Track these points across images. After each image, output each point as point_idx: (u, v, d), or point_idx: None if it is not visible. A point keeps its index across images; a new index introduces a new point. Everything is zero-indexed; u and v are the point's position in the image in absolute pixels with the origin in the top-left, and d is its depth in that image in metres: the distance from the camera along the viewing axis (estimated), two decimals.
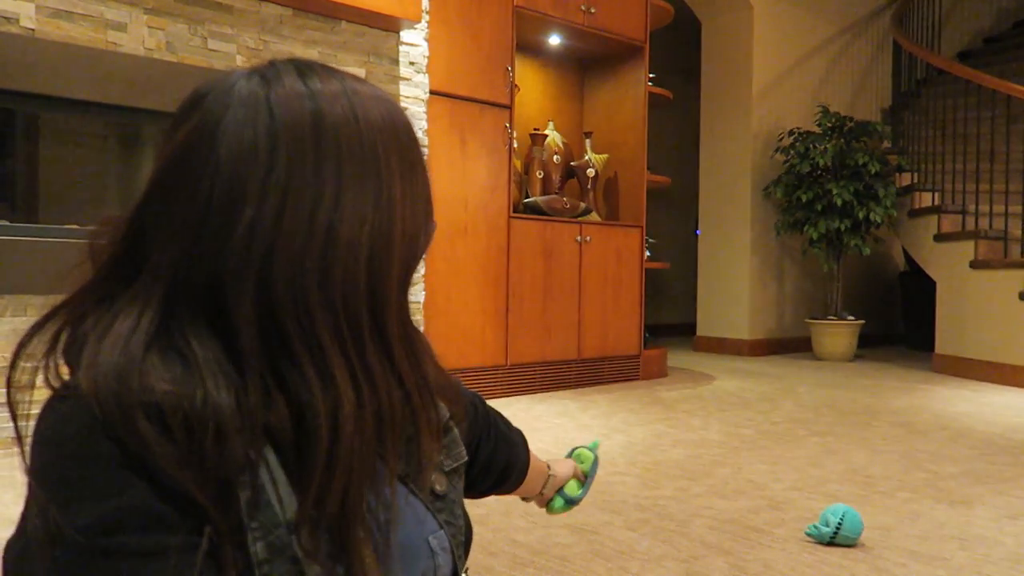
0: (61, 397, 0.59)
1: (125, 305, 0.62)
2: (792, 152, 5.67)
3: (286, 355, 0.61)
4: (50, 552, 0.55)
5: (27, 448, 0.60)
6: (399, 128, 0.68)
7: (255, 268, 0.60)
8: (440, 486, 0.81)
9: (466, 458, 0.87)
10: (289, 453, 0.61)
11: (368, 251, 0.64)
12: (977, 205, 5.07)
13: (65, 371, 0.62)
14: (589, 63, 4.88)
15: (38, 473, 0.57)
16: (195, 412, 0.57)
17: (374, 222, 0.64)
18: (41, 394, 0.63)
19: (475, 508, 2.06)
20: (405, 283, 0.69)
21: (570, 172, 4.55)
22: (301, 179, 0.62)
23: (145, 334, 0.59)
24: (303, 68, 0.66)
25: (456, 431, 0.85)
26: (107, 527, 0.54)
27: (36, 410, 0.61)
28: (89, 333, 0.61)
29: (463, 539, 0.82)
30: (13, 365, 0.62)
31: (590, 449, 1.28)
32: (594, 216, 4.46)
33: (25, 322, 2.33)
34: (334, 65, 2.97)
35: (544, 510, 1.21)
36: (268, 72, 0.65)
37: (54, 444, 0.57)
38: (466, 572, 0.84)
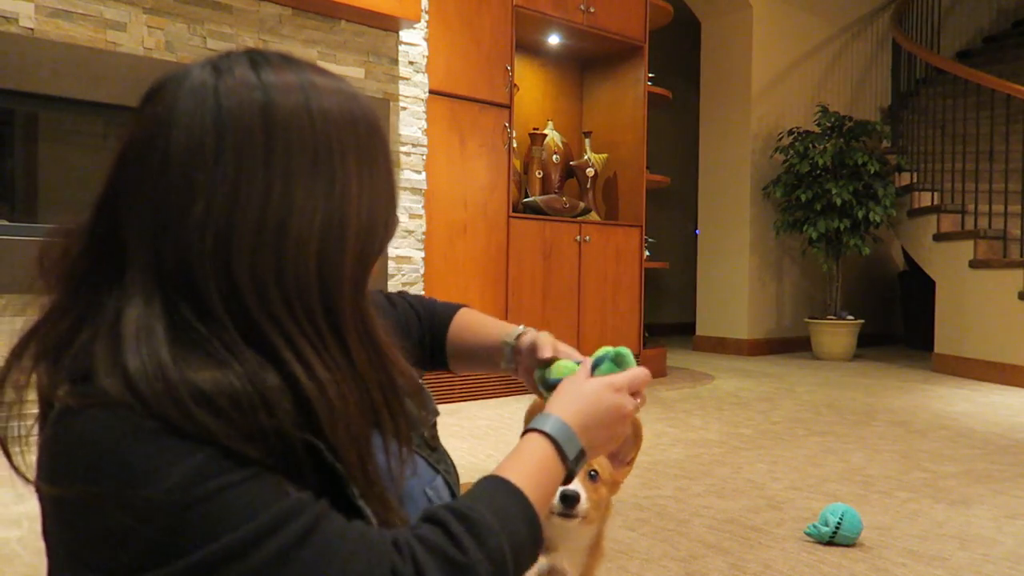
0: (81, 408, 0.57)
1: (125, 303, 0.61)
2: (791, 152, 5.67)
3: (262, 347, 0.61)
4: (129, 541, 0.54)
5: (36, 465, 0.59)
6: (358, 121, 0.67)
7: (213, 264, 0.60)
8: (432, 439, 0.86)
9: (439, 412, 0.92)
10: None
11: (318, 245, 0.63)
12: (976, 205, 5.07)
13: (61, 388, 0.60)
14: (588, 63, 4.88)
15: (79, 478, 0.55)
16: (239, 391, 0.57)
17: (325, 216, 0.63)
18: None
19: None
20: (361, 279, 0.68)
21: (569, 172, 4.55)
22: (250, 172, 0.61)
23: (161, 327, 0.59)
24: (257, 59, 0.65)
25: (426, 388, 0.88)
26: (199, 476, 0.55)
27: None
28: (94, 341, 0.60)
29: (456, 479, 0.88)
30: (4, 382, 0.62)
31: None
32: (593, 216, 4.46)
33: (26, 322, 2.32)
34: (333, 65, 2.93)
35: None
36: (221, 63, 0.64)
37: (97, 443, 0.56)
38: None
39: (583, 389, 0.81)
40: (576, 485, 1.12)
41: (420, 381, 0.86)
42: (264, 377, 0.59)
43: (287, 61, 0.66)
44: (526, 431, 0.77)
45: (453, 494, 0.85)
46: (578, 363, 0.92)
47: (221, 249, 0.60)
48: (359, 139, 0.66)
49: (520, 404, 3.69)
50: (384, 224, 0.70)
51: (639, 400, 0.86)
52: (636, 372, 0.86)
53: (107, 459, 0.55)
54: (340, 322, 0.65)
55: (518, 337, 1.01)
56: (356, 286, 0.67)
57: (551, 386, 0.89)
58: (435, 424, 0.91)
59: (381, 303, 1.01)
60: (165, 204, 0.61)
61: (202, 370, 0.57)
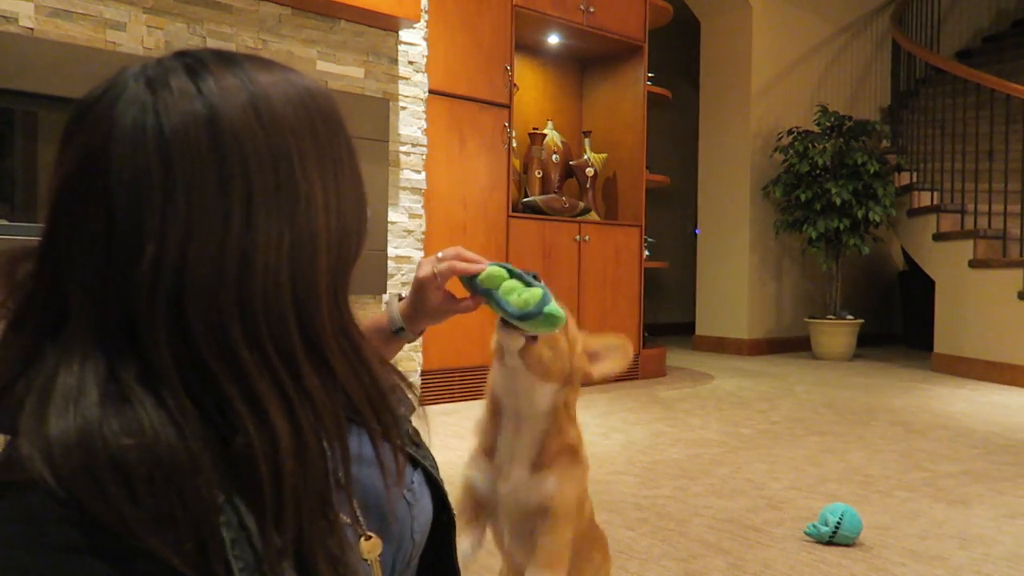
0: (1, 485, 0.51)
1: (62, 361, 0.55)
2: (791, 151, 5.67)
3: (216, 396, 0.55)
4: None
5: None
6: (314, 118, 0.61)
7: (166, 310, 0.54)
8: (415, 434, 0.83)
9: (416, 407, 0.89)
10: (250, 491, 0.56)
11: (290, 270, 0.57)
12: (976, 204, 5.07)
13: None
14: (588, 62, 4.88)
15: None
16: (158, 466, 0.51)
17: (293, 237, 0.57)
18: None
19: None
20: (338, 290, 0.63)
21: (569, 171, 4.55)
22: (204, 202, 0.54)
23: (96, 388, 0.53)
24: (193, 65, 0.58)
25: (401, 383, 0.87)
26: None
27: None
28: (25, 398, 0.54)
29: (437, 470, 0.85)
30: None
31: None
32: (593, 215, 4.46)
33: None
34: (333, 64, 2.92)
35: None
36: (155, 75, 0.57)
37: (8, 549, 0.50)
38: (452, 511, 0.88)
39: None
40: None
41: (395, 377, 0.85)
42: (197, 449, 0.53)
43: (225, 61, 0.59)
44: None
45: (437, 485, 0.83)
46: (506, 271, 0.95)
47: (174, 293, 0.54)
48: (318, 139, 0.61)
49: None
50: (357, 227, 0.64)
51: None
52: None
53: (5, 566, 0.50)
54: (321, 344, 0.60)
55: (400, 301, 1.01)
56: (334, 300, 0.62)
57: (522, 314, 0.93)
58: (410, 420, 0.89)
59: None
60: (110, 251, 0.54)
61: (130, 438, 0.51)
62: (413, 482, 0.80)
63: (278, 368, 0.57)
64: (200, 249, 0.54)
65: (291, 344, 0.58)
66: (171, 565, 0.51)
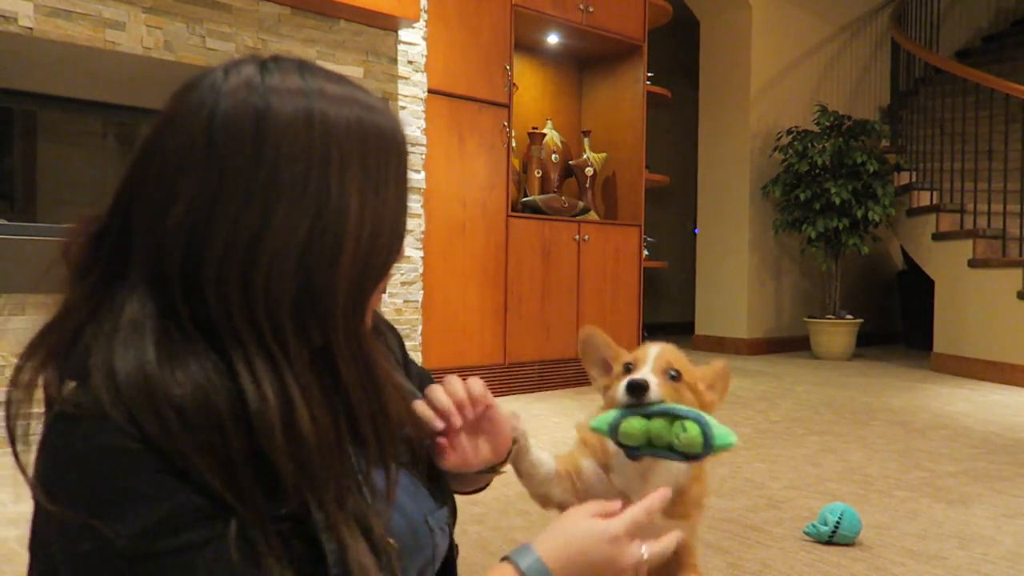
0: (74, 416, 0.57)
1: (126, 299, 0.61)
2: (790, 151, 5.67)
3: (226, 357, 0.60)
4: (105, 567, 0.55)
5: (33, 471, 0.59)
6: (368, 135, 0.64)
7: (182, 266, 0.60)
8: (433, 469, 0.84)
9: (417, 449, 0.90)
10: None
11: (300, 260, 0.61)
12: (975, 204, 5.07)
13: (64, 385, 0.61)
14: (588, 62, 4.88)
15: (66, 495, 0.56)
16: (208, 407, 0.57)
17: (312, 232, 0.61)
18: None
19: (473, 507, 2.06)
20: (359, 299, 0.65)
21: (568, 171, 4.55)
22: (232, 182, 0.60)
23: (153, 327, 0.59)
24: (269, 64, 0.63)
25: None
26: (165, 528, 0.55)
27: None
28: (96, 338, 0.60)
29: (454, 512, 0.87)
30: (15, 382, 0.61)
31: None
32: (592, 215, 4.46)
33: (24, 321, 2.32)
34: (332, 64, 2.93)
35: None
36: (231, 65, 0.64)
37: (82, 462, 0.56)
38: (456, 546, 0.89)
39: (577, 532, 0.73)
40: (645, 374, 0.89)
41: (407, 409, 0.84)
42: (223, 391, 0.59)
43: (303, 67, 0.64)
44: (504, 558, 0.72)
45: (451, 526, 0.85)
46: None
47: (193, 255, 0.60)
48: (366, 153, 0.64)
49: (522, 404, 3.69)
50: (389, 245, 0.67)
51: (644, 551, 0.75)
52: (638, 514, 0.76)
53: (87, 484, 0.55)
54: (329, 341, 0.63)
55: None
56: (353, 305, 0.64)
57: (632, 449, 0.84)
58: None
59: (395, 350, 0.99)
60: (161, 206, 0.61)
61: (184, 379, 0.57)
62: (439, 511, 0.81)
63: (274, 350, 0.61)
64: (220, 219, 0.59)
65: (284, 330, 0.61)
66: (211, 485, 0.57)
